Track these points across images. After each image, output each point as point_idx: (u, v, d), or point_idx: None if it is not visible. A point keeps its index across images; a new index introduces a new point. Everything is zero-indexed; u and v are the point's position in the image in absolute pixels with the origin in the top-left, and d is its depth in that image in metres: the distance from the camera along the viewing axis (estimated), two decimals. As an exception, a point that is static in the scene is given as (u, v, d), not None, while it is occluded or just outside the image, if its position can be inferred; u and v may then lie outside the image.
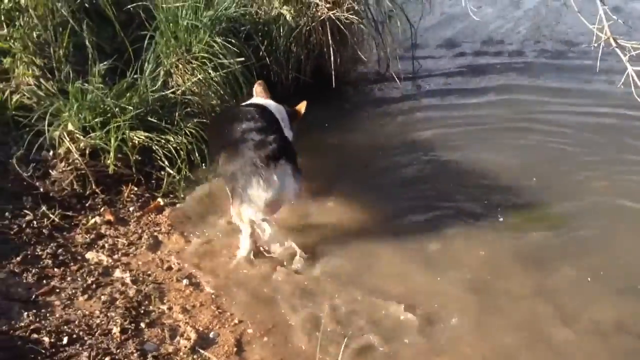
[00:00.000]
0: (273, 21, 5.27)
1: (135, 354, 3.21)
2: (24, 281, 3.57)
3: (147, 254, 3.90)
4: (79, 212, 4.13)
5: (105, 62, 4.71)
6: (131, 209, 4.23)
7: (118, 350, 3.22)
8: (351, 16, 5.22)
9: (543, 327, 3.49)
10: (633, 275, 3.81)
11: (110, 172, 4.31)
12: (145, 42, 4.81)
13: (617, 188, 4.55)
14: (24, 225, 3.91)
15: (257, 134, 3.79)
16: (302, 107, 4.44)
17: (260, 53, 5.21)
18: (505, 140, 5.16)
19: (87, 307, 3.47)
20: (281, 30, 5.27)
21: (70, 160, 4.30)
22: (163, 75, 4.77)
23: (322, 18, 5.22)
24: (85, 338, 3.26)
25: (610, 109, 5.49)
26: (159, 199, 4.30)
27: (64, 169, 4.28)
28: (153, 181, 4.43)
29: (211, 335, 3.38)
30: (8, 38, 4.82)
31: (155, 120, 4.51)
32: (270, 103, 4.36)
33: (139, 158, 4.42)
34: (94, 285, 3.62)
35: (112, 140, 4.29)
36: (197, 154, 4.53)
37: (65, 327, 3.31)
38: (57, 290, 3.55)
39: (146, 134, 4.42)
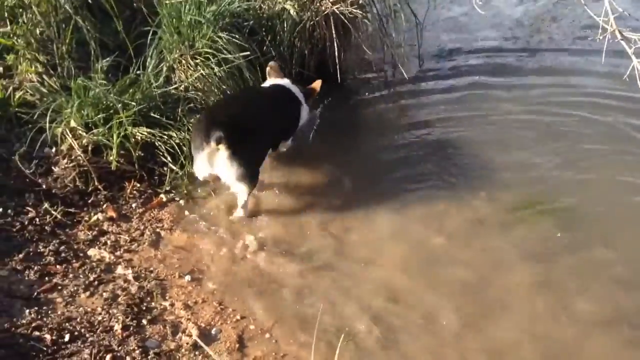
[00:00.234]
0: (277, 16, 5.21)
1: (137, 351, 3.20)
2: (26, 278, 3.56)
3: (150, 250, 3.89)
4: (82, 209, 4.12)
5: (107, 58, 4.70)
6: (134, 205, 4.21)
7: (120, 347, 3.22)
8: (355, 10, 5.17)
9: (545, 321, 3.46)
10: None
11: (112, 169, 4.29)
12: (149, 37, 4.79)
13: (623, 178, 4.51)
14: (26, 222, 3.91)
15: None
16: (317, 85, 4.71)
17: (264, 48, 5.17)
18: (511, 131, 5.13)
19: (89, 304, 3.47)
20: (285, 25, 5.22)
21: (73, 157, 4.28)
22: (166, 71, 4.74)
23: (326, 12, 5.17)
24: (87, 335, 3.26)
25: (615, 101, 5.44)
26: (162, 195, 4.29)
27: (66, 165, 4.26)
28: (156, 177, 4.41)
29: (213, 331, 3.37)
30: (11, 35, 4.82)
31: (158, 116, 4.49)
32: (286, 83, 4.62)
33: (142, 154, 4.39)
34: (96, 282, 3.61)
35: (115, 137, 4.27)
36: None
37: (67, 324, 3.31)
38: (59, 287, 3.55)
39: (149, 130, 4.40)
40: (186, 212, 4.22)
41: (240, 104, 4.46)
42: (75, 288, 3.55)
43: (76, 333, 3.26)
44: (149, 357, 3.19)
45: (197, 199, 4.34)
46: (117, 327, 3.31)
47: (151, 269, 3.76)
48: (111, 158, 4.28)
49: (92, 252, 3.83)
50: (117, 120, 4.29)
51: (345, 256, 3.91)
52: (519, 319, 3.46)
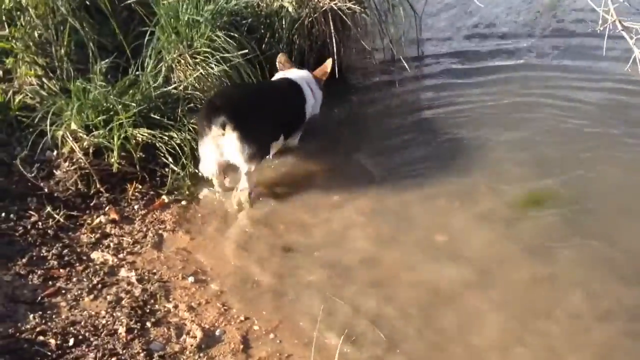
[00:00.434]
0: (275, 13, 5.20)
1: (142, 354, 3.20)
2: (30, 283, 3.57)
3: (153, 252, 3.89)
4: (84, 212, 4.12)
5: (106, 60, 4.70)
6: (136, 207, 4.21)
7: (124, 351, 3.22)
8: (353, 6, 5.15)
9: (548, 316, 3.45)
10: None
11: (114, 171, 4.29)
12: (146, 38, 4.78)
13: (626, 169, 4.50)
14: (29, 227, 3.91)
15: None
16: (327, 65, 4.85)
17: (263, 46, 5.16)
18: (511, 118, 5.15)
19: (93, 307, 3.47)
20: (283, 22, 5.21)
21: (74, 160, 4.28)
22: (165, 71, 4.74)
23: (324, 9, 5.15)
24: (92, 339, 3.26)
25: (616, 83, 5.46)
26: (164, 196, 4.28)
27: (67, 168, 4.27)
28: (157, 178, 4.40)
29: (217, 333, 3.36)
30: (10, 38, 4.81)
31: (158, 117, 4.48)
32: (294, 73, 4.72)
33: (143, 155, 4.38)
34: (99, 285, 3.61)
35: (115, 138, 4.27)
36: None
37: (71, 328, 3.31)
38: (63, 291, 3.55)
39: (149, 131, 4.39)
40: (188, 213, 4.22)
41: (243, 91, 4.55)
42: (79, 292, 3.55)
43: (80, 337, 3.26)
44: (153, 360, 3.21)
45: (199, 199, 4.34)
46: (121, 330, 3.31)
47: (154, 271, 3.76)
48: (112, 160, 4.29)
49: (95, 255, 3.83)
50: (117, 122, 4.29)
51: (348, 254, 3.90)
52: (521, 315, 3.45)
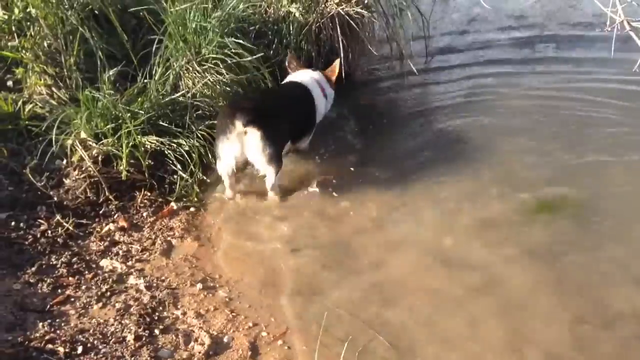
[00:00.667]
0: (282, 19, 5.22)
1: (150, 361, 3.20)
2: (39, 291, 3.58)
3: (161, 259, 3.89)
4: (93, 220, 4.14)
5: (115, 68, 4.72)
6: (145, 214, 4.22)
7: (132, 358, 3.21)
8: (360, 10, 5.15)
9: (558, 321, 3.41)
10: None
11: (123, 179, 4.30)
12: (154, 46, 4.80)
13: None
14: (38, 235, 3.94)
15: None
16: (336, 65, 4.90)
17: (271, 52, 5.16)
18: (522, 119, 5.19)
19: (102, 315, 3.47)
20: (291, 28, 5.22)
21: (84, 168, 4.30)
22: (173, 78, 4.75)
23: (331, 14, 5.15)
24: (100, 347, 3.26)
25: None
26: (172, 203, 4.29)
27: (77, 177, 4.29)
28: (166, 186, 4.42)
29: (225, 339, 3.35)
30: (19, 48, 4.85)
31: (167, 124, 4.50)
32: (306, 75, 4.79)
33: (152, 163, 4.40)
34: (108, 293, 3.62)
35: (124, 146, 4.28)
36: (209, 157, 4.51)
37: (80, 336, 3.31)
38: (72, 299, 3.56)
39: (158, 138, 4.41)
40: (197, 220, 4.23)
41: (261, 94, 4.74)
42: (88, 299, 3.56)
43: (89, 345, 3.26)
44: (161, 367, 3.20)
45: (208, 206, 4.35)
46: (130, 338, 3.31)
47: (163, 278, 3.76)
48: (121, 168, 4.30)
49: (104, 262, 3.84)
50: (126, 130, 4.31)
51: (355, 258, 3.89)
52: (530, 321, 3.40)
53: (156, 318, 3.47)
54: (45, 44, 4.84)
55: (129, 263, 3.85)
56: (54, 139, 4.29)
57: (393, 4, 5.56)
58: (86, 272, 3.76)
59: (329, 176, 4.59)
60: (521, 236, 3.96)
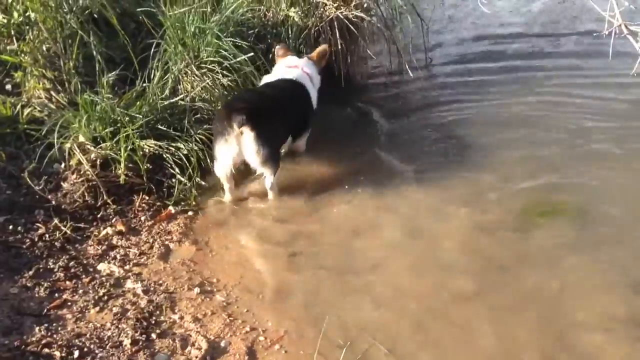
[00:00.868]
0: (281, 23, 5.22)
1: (147, 366, 3.19)
2: (36, 295, 3.57)
3: (159, 263, 3.88)
4: (91, 224, 4.14)
5: (114, 72, 4.72)
6: (142, 218, 4.21)
7: (129, 363, 3.21)
8: (359, 14, 5.15)
9: (555, 324, 3.39)
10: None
11: (121, 182, 4.30)
12: (152, 49, 4.80)
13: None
14: (36, 239, 3.93)
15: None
16: (323, 48, 4.91)
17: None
18: (521, 122, 5.19)
19: (99, 319, 3.46)
20: (290, 32, 5.22)
21: (82, 172, 4.30)
22: (172, 82, 4.76)
23: (330, 17, 5.15)
24: (97, 351, 3.25)
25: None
26: (170, 207, 4.29)
27: (75, 180, 4.28)
28: (164, 189, 4.42)
29: (222, 344, 3.34)
30: (19, 52, 4.86)
31: (165, 128, 4.51)
32: (294, 71, 4.70)
33: (150, 167, 4.41)
34: (105, 297, 3.60)
35: (122, 150, 4.28)
36: (208, 161, 4.50)
37: (76, 340, 3.30)
38: (69, 303, 3.55)
39: (156, 142, 4.42)
40: (195, 224, 4.22)
41: (257, 94, 4.59)
42: (85, 303, 3.55)
43: (86, 349, 3.25)
44: (158, 372, 3.19)
45: (206, 210, 4.34)
46: (127, 342, 3.29)
47: (160, 282, 3.75)
48: (119, 172, 4.30)
49: (101, 266, 3.83)
50: (125, 134, 4.31)
51: (354, 263, 3.87)
52: (530, 325, 3.38)
53: (153, 322, 3.46)
54: (44, 48, 4.86)
55: (127, 267, 3.84)
56: (53, 142, 4.30)
57: (392, 7, 5.55)
58: (83, 276, 3.75)
59: (326, 180, 4.59)
60: (519, 240, 3.94)
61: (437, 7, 6.44)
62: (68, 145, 4.34)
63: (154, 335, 3.37)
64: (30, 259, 3.80)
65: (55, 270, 3.75)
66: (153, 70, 4.75)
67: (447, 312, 3.48)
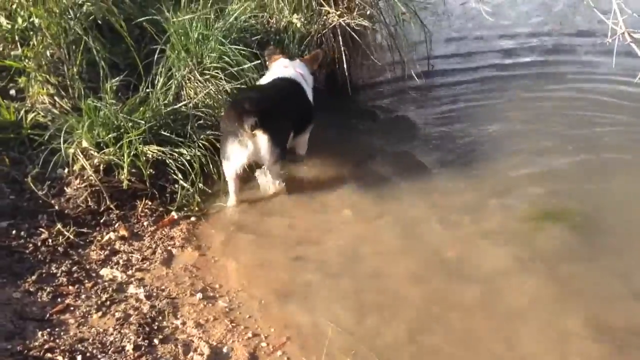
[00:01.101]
0: (284, 30, 5.24)
1: (149, 371, 3.19)
2: (39, 300, 3.57)
3: (161, 269, 3.89)
4: (94, 229, 4.14)
5: (117, 78, 4.74)
6: (145, 223, 4.22)
7: (131, 368, 3.21)
8: (362, 22, 5.17)
9: (555, 332, 3.39)
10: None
11: (124, 188, 4.31)
12: (156, 55, 4.82)
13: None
14: (39, 244, 3.94)
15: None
16: (317, 53, 5.00)
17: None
18: (524, 128, 5.22)
19: (101, 324, 3.46)
20: (293, 38, 5.24)
21: (85, 177, 4.30)
22: (175, 88, 4.77)
23: (333, 25, 5.17)
24: (99, 356, 3.25)
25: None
26: (173, 213, 4.29)
27: (78, 186, 4.29)
28: (167, 195, 4.42)
29: (224, 349, 3.33)
30: (22, 58, 4.88)
31: (168, 134, 4.51)
32: (288, 70, 4.75)
33: (153, 172, 4.40)
34: (108, 302, 3.61)
35: (126, 156, 4.29)
36: (211, 167, 4.51)
37: (79, 345, 3.30)
38: (72, 308, 3.55)
39: (159, 147, 4.42)
40: (198, 230, 4.23)
41: (261, 92, 4.60)
42: (88, 308, 3.55)
43: (88, 354, 3.24)
44: (160, 377, 3.19)
45: (209, 216, 4.35)
46: (129, 348, 3.29)
47: (163, 287, 3.75)
48: (122, 177, 4.30)
49: (104, 271, 3.84)
50: (128, 139, 4.32)
51: (358, 269, 3.87)
52: (531, 333, 3.38)
53: (155, 328, 3.45)
54: (48, 54, 4.87)
55: (129, 272, 3.85)
56: (57, 147, 4.31)
57: (395, 14, 5.57)
58: (86, 281, 3.75)
59: (330, 185, 4.61)
60: (522, 247, 3.94)
61: (440, 13, 6.44)
62: (71, 150, 4.34)
63: (156, 341, 3.37)
64: (33, 264, 3.80)
65: (58, 275, 3.76)
66: (156, 77, 4.77)
67: (448, 321, 3.48)
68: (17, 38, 4.93)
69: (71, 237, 4.01)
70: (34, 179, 4.29)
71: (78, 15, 4.91)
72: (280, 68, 4.77)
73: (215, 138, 4.55)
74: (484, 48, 6.62)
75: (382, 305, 3.59)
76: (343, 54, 5.22)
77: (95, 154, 4.35)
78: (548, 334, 3.37)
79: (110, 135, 4.37)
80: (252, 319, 3.53)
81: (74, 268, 3.82)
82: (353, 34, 5.22)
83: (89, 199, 4.26)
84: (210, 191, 4.48)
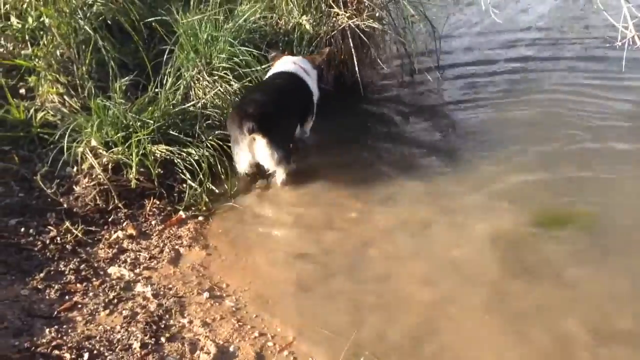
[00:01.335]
0: (293, 31, 5.25)
1: (155, 369, 3.20)
2: (47, 297, 3.59)
3: (169, 267, 3.90)
4: (102, 227, 4.16)
5: (127, 78, 4.76)
6: (153, 222, 4.23)
7: (138, 366, 3.22)
8: (371, 24, 5.17)
9: (564, 334, 3.37)
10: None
11: (132, 187, 4.32)
12: (165, 56, 4.84)
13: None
14: (47, 242, 3.96)
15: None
16: (324, 51, 5.07)
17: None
18: (533, 131, 5.17)
19: (109, 322, 3.48)
20: (302, 40, 5.24)
21: (94, 176, 4.32)
22: (184, 88, 4.79)
23: (342, 26, 5.18)
24: (106, 354, 3.26)
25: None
26: (181, 212, 4.30)
27: (87, 184, 4.31)
28: (175, 194, 4.43)
29: (231, 349, 3.34)
30: (32, 57, 4.91)
31: (177, 134, 4.53)
32: (290, 65, 4.81)
33: (161, 172, 4.42)
34: (115, 300, 3.62)
35: (134, 155, 4.31)
36: (219, 166, 4.52)
37: (86, 342, 3.32)
38: (79, 306, 3.57)
39: (168, 147, 4.43)
40: (205, 229, 4.23)
41: (263, 93, 4.59)
42: (95, 306, 3.57)
43: (95, 352, 3.26)
44: (167, 376, 3.20)
45: (216, 215, 4.35)
46: (136, 346, 3.31)
47: (170, 286, 3.76)
48: (131, 176, 4.32)
49: (112, 270, 3.85)
50: (136, 139, 4.33)
51: (365, 270, 3.86)
52: (542, 337, 3.36)
53: (162, 326, 3.47)
54: (58, 53, 4.90)
55: (137, 271, 3.86)
56: (68, 146, 4.33)
57: (404, 16, 5.57)
58: (94, 279, 3.77)
59: (337, 186, 4.59)
60: (531, 250, 3.92)
61: (447, 14, 6.43)
62: (80, 149, 4.37)
63: (163, 339, 3.38)
64: (42, 262, 3.82)
65: (66, 272, 3.77)
66: (165, 77, 4.79)
67: (458, 323, 3.47)
68: (27, 37, 4.98)
69: (79, 235, 4.03)
70: (43, 177, 4.31)
71: (88, 15, 4.95)
72: (282, 64, 4.84)
73: (223, 138, 4.56)
74: (496, 51, 6.59)
75: (389, 307, 3.58)
76: (353, 55, 5.21)
77: (104, 153, 4.37)
78: (558, 336, 3.36)
79: (119, 135, 4.39)
80: (258, 319, 3.54)
81: (82, 266, 3.84)
82: (362, 35, 5.21)
83: (97, 198, 4.27)
84: (218, 191, 4.49)
